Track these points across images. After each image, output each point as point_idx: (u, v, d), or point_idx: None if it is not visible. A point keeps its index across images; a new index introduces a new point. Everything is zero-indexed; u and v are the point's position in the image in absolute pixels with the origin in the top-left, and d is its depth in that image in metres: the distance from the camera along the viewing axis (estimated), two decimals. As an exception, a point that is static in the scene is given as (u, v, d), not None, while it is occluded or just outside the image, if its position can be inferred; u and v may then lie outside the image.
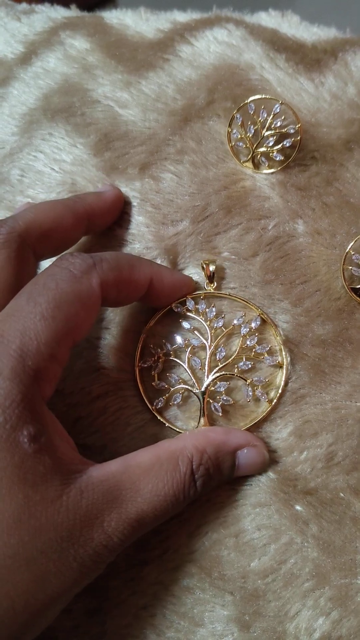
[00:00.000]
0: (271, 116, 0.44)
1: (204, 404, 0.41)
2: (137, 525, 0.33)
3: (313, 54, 0.50)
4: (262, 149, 0.45)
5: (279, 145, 0.45)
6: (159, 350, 0.42)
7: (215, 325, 0.42)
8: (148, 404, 0.41)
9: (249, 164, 0.46)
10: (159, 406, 0.41)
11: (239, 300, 0.43)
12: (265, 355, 0.41)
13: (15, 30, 0.59)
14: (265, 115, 0.44)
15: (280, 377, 0.41)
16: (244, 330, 0.42)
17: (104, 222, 0.45)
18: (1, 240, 0.38)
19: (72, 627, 0.37)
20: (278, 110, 0.44)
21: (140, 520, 0.33)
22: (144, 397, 0.41)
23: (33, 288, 0.34)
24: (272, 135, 0.45)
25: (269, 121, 0.44)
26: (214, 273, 0.43)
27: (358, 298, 0.42)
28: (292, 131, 0.44)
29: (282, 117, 0.44)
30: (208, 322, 0.42)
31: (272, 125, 0.44)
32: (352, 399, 0.39)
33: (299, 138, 0.44)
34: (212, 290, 0.43)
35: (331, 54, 0.49)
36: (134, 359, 0.42)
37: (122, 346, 0.42)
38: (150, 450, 0.36)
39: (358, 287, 0.42)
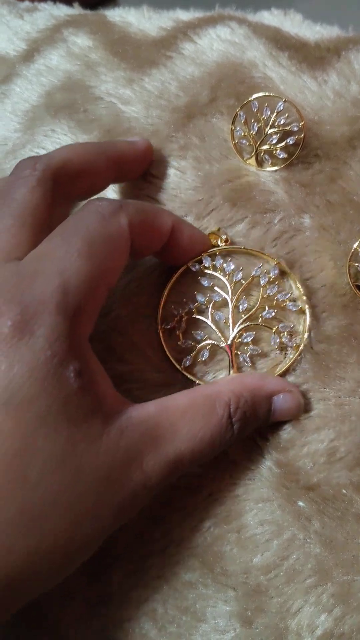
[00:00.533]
0: (275, 114, 0.44)
1: (232, 357, 0.41)
2: (175, 467, 0.33)
3: (316, 52, 0.50)
4: (266, 147, 0.45)
5: (283, 143, 0.45)
6: (181, 310, 0.42)
7: (234, 279, 0.42)
8: (176, 364, 0.41)
9: (252, 162, 0.46)
10: (187, 364, 0.41)
11: (254, 252, 0.43)
12: (287, 302, 0.42)
13: (17, 28, 0.59)
14: (269, 113, 0.44)
15: (304, 323, 0.41)
16: (263, 281, 0.42)
17: (134, 170, 0.46)
18: (37, 176, 0.37)
19: (74, 620, 0.37)
20: (282, 108, 0.44)
21: (177, 462, 0.33)
22: (170, 358, 0.41)
23: (65, 229, 0.35)
24: (275, 133, 0.45)
25: (272, 119, 0.44)
26: (226, 236, 0.43)
27: (362, 295, 0.42)
28: (295, 129, 0.44)
29: (286, 115, 0.44)
30: (227, 277, 0.42)
31: (276, 123, 0.44)
32: (356, 395, 0.39)
33: (302, 136, 0.44)
34: (226, 246, 0.43)
35: (334, 52, 0.49)
36: (155, 323, 0.42)
37: (124, 337, 0.42)
38: (187, 394, 0.36)
39: (363, 284, 0.42)
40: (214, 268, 0.43)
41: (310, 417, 0.39)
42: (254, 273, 0.42)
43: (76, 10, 0.61)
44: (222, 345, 0.41)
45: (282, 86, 0.48)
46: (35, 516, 0.29)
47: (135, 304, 0.43)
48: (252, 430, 0.38)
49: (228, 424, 0.35)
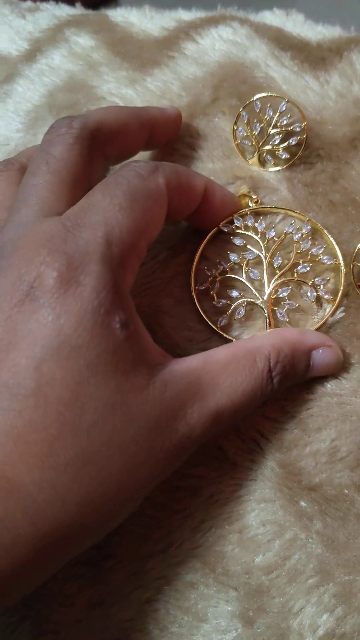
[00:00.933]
0: (277, 114, 0.44)
1: (269, 312, 0.41)
2: (217, 418, 0.34)
3: (318, 52, 0.50)
4: (268, 147, 0.45)
5: (285, 143, 0.45)
6: (214, 270, 0.43)
7: (267, 236, 0.43)
8: (212, 325, 0.41)
9: (255, 162, 0.46)
10: (223, 324, 0.41)
11: (284, 210, 0.44)
12: (321, 256, 0.42)
13: (20, 28, 0.59)
14: (272, 113, 0.44)
15: (340, 277, 0.42)
16: (296, 236, 0.42)
17: (165, 135, 0.46)
18: (74, 134, 0.38)
19: (74, 621, 0.37)
20: (284, 108, 0.44)
21: (219, 414, 0.34)
22: (206, 319, 0.42)
23: (106, 185, 0.35)
24: (278, 133, 0.45)
25: (275, 119, 0.44)
26: (256, 197, 0.44)
27: (365, 295, 0.42)
28: (298, 129, 0.44)
29: (288, 115, 0.44)
30: (259, 235, 0.43)
31: (278, 123, 0.45)
32: (357, 395, 0.39)
33: (304, 136, 0.44)
34: (256, 206, 0.44)
35: (336, 53, 0.49)
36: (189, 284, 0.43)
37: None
38: (228, 348, 0.36)
39: (366, 284, 0.42)
40: (246, 228, 0.43)
41: (312, 416, 0.39)
42: (286, 230, 0.43)
43: (78, 10, 0.61)
44: (259, 302, 0.42)
45: (285, 86, 0.48)
46: (90, 461, 0.30)
47: (137, 305, 0.43)
48: (291, 384, 0.39)
49: (268, 378, 0.36)
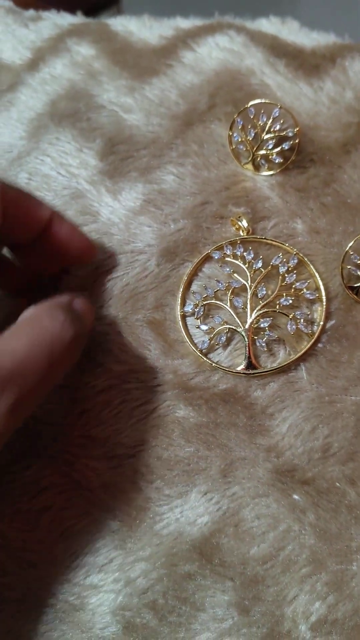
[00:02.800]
0: (270, 120, 0.46)
1: (249, 341, 0.43)
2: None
3: (312, 59, 0.51)
4: (262, 152, 0.46)
5: (278, 148, 0.46)
6: (200, 296, 0.44)
7: (254, 267, 0.44)
8: (193, 348, 0.43)
9: (249, 166, 0.47)
10: (204, 347, 0.43)
11: (274, 242, 0.45)
12: (305, 290, 0.44)
13: (22, 37, 0.60)
14: (265, 119, 0.46)
15: (321, 312, 0.43)
16: (282, 269, 0.44)
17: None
18: None
19: (75, 610, 0.39)
20: (277, 114, 0.45)
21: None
22: (189, 342, 0.43)
23: None
24: (271, 139, 0.46)
25: (268, 125, 0.46)
26: (247, 223, 0.45)
27: (355, 296, 0.43)
28: (290, 134, 0.46)
29: (281, 121, 0.46)
30: (247, 265, 0.44)
31: (272, 129, 0.46)
32: (347, 393, 0.41)
33: (297, 141, 0.46)
34: (247, 236, 0.45)
35: (330, 60, 0.51)
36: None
37: (122, 339, 0.44)
38: None
39: (355, 285, 0.43)
40: (235, 256, 0.45)
41: (306, 418, 0.41)
42: (273, 262, 0.44)
43: (79, 18, 0.63)
44: (240, 329, 0.43)
45: (279, 93, 0.49)
46: None
47: (131, 306, 0.44)
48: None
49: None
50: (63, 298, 0.38)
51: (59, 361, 0.34)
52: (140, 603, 0.38)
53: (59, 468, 0.41)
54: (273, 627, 0.37)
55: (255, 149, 0.47)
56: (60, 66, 0.56)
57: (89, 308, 0.39)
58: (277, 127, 0.46)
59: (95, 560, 0.39)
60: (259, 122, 0.46)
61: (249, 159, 0.47)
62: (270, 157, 0.47)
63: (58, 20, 0.62)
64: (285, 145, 0.46)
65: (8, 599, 0.39)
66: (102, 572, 0.39)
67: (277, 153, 0.46)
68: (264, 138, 0.46)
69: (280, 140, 0.46)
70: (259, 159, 0.47)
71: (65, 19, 0.62)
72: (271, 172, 0.47)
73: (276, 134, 0.46)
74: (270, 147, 0.46)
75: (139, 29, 0.57)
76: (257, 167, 0.47)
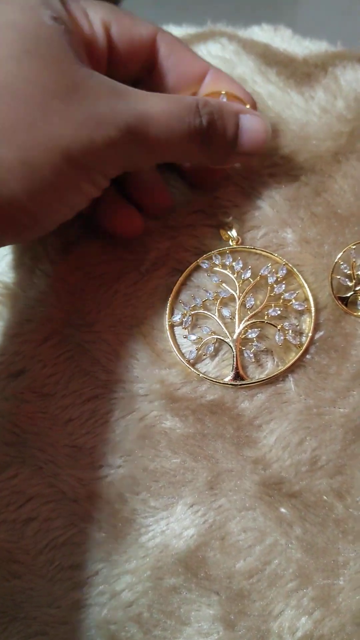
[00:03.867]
0: None
1: (236, 352, 0.42)
2: (141, 124, 0.35)
3: (304, 68, 0.51)
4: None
5: None
6: (188, 305, 0.44)
7: (242, 277, 0.44)
8: (180, 358, 0.42)
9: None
10: (192, 357, 0.43)
11: (263, 252, 0.45)
12: (293, 301, 0.43)
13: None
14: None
15: (309, 323, 0.43)
16: (271, 280, 0.43)
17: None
18: None
19: (60, 623, 0.38)
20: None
21: (144, 121, 0.35)
22: (177, 352, 0.43)
23: None
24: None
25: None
26: (236, 233, 0.45)
27: (344, 307, 0.43)
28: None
29: None
30: (235, 275, 0.44)
31: None
32: (335, 405, 0.40)
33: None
34: (236, 246, 0.45)
35: (321, 68, 0.50)
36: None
37: (109, 347, 0.43)
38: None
39: (345, 296, 0.43)
40: (223, 266, 0.44)
41: (294, 430, 0.40)
42: (262, 272, 0.44)
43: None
44: (228, 340, 0.43)
45: (270, 102, 0.49)
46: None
47: (119, 315, 0.44)
48: (222, 147, 0.41)
49: (196, 111, 0.38)
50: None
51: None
52: (125, 616, 0.38)
53: (44, 478, 0.41)
54: (259, 642, 0.37)
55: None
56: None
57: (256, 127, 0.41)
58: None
59: (80, 573, 0.39)
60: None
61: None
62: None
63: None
64: None
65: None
66: (87, 585, 0.39)
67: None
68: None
69: None
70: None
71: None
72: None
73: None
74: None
75: (132, 36, 0.57)
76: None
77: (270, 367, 0.42)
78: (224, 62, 0.52)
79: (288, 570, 0.37)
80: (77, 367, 0.43)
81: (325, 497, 0.39)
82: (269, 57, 0.52)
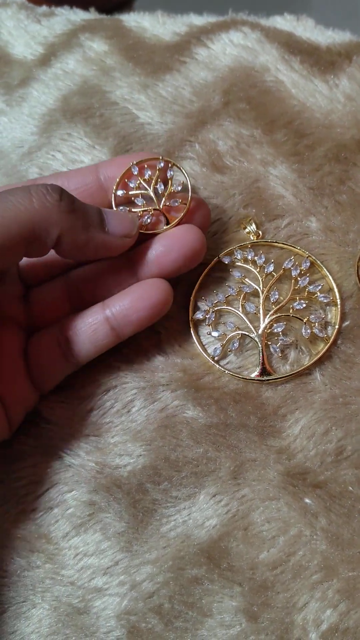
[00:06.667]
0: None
1: (262, 347, 0.42)
2: None
3: (327, 56, 0.50)
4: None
5: None
6: (211, 302, 0.43)
7: (265, 270, 0.43)
8: (205, 356, 0.42)
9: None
10: (217, 354, 0.42)
11: (285, 246, 0.44)
12: (318, 293, 0.43)
13: (35, 32, 0.60)
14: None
15: (336, 315, 0.42)
16: (294, 272, 0.43)
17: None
18: None
19: (79, 613, 0.38)
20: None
21: None
22: (201, 350, 0.42)
23: None
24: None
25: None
26: (256, 227, 0.44)
27: (370, 296, 0.42)
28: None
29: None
30: (258, 269, 0.43)
31: None
32: (362, 394, 0.40)
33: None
34: (258, 240, 0.44)
35: (345, 57, 0.50)
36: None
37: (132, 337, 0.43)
38: None
39: (371, 284, 0.42)
40: (245, 260, 0.44)
41: (319, 420, 0.40)
42: (285, 265, 0.43)
43: (92, 15, 0.62)
44: (253, 335, 0.42)
45: (294, 90, 0.48)
46: None
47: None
48: (88, 229, 0.37)
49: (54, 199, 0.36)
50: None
51: None
52: (146, 607, 0.37)
53: (65, 468, 0.41)
54: (282, 634, 0.36)
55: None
56: (73, 62, 0.55)
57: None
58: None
59: (101, 563, 0.39)
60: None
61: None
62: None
63: (71, 16, 0.62)
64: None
65: (11, 600, 0.39)
66: (107, 575, 0.38)
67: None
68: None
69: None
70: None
71: (78, 15, 0.62)
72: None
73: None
74: None
75: (152, 25, 0.57)
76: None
77: (296, 359, 0.42)
78: (246, 51, 0.51)
79: (313, 561, 0.37)
80: (98, 356, 0.42)
81: (350, 488, 0.38)
82: (292, 46, 0.51)
